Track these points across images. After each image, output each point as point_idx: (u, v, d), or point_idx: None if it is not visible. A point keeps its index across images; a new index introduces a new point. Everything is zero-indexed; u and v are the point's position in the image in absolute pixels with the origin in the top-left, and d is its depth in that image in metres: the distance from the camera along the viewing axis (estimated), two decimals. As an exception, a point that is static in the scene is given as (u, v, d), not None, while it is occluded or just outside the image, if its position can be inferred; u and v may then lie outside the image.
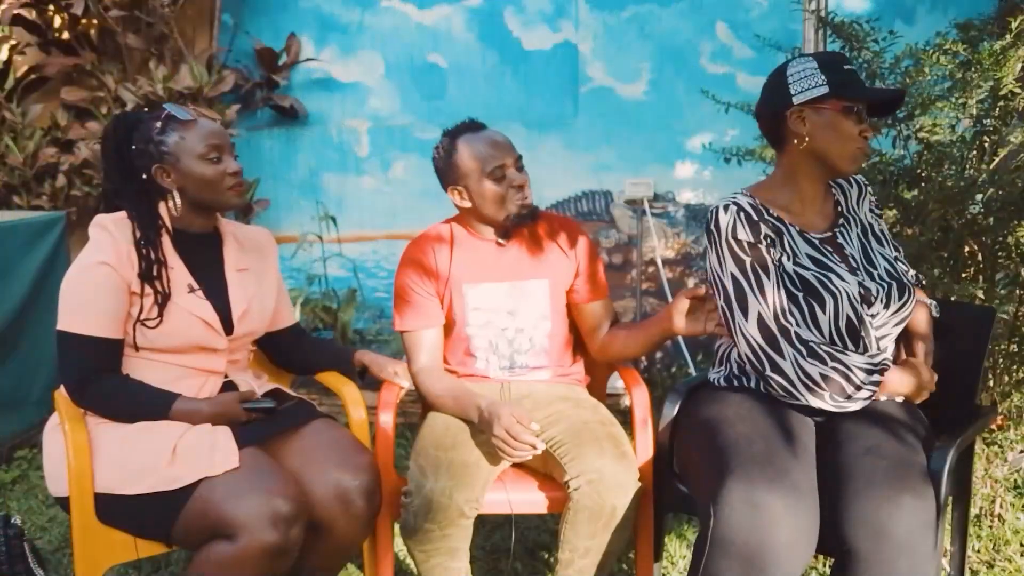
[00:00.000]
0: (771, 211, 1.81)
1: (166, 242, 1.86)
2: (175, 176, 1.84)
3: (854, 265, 1.79)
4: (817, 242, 1.80)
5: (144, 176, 1.84)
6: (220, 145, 1.85)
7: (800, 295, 1.75)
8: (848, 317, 1.74)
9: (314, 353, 2.18)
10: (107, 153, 1.89)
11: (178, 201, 1.85)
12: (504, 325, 2.10)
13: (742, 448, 1.64)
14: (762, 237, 1.77)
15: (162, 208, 1.87)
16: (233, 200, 1.89)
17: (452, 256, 2.10)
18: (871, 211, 1.90)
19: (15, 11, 3.75)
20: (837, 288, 1.74)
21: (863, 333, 1.76)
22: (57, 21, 3.90)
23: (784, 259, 1.78)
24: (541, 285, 2.11)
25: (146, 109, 1.92)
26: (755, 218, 1.78)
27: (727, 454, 1.63)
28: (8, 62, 3.85)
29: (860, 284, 1.76)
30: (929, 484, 1.57)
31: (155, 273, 1.80)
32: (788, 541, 1.52)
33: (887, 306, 1.76)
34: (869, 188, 1.91)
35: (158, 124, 1.84)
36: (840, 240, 1.81)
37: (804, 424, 1.77)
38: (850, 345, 1.76)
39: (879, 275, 1.78)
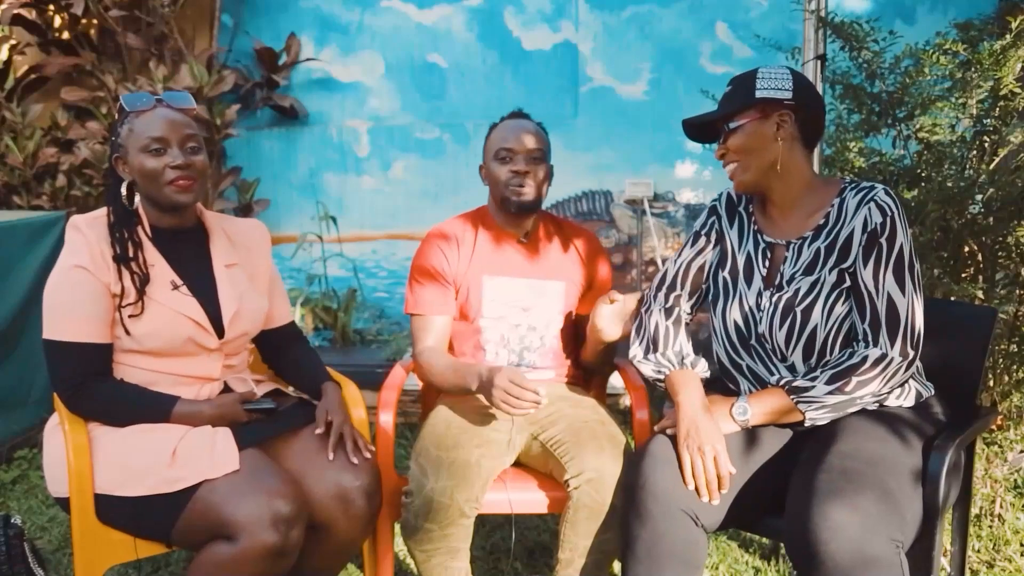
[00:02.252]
0: (750, 207, 1.91)
1: (143, 235, 1.82)
2: (128, 168, 1.80)
3: (776, 279, 1.79)
4: (764, 246, 1.83)
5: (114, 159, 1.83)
6: (165, 137, 1.76)
7: (711, 300, 1.92)
8: (735, 322, 1.83)
9: (297, 370, 2.07)
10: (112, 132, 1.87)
11: (135, 194, 1.81)
12: (518, 321, 2.12)
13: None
14: (705, 232, 1.94)
15: (136, 201, 1.84)
16: (175, 197, 1.78)
17: (475, 246, 2.14)
18: (868, 245, 1.70)
19: (15, 11, 3.76)
20: (731, 291, 1.85)
21: (753, 342, 1.81)
22: (57, 21, 3.90)
23: (716, 260, 1.91)
24: (558, 286, 2.14)
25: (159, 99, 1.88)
26: (727, 206, 1.93)
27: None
28: (8, 62, 3.85)
29: (759, 294, 1.80)
30: (877, 494, 1.53)
31: (130, 254, 1.77)
32: (665, 485, 1.66)
33: (771, 325, 1.76)
34: (886, 229, 1.68)
35: (117, 115, 1.83)
36: (788, 252, 1.79)
37: (771, 428, 1.81)
38: (742, 351, 1.84)
39: (787, 295, 1.75)
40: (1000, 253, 2.27)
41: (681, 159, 3.81)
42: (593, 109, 3.84)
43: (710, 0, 3.73)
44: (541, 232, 2.18)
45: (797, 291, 1.75)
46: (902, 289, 1.67)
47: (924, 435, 1.71)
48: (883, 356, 1.66)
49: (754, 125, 1.77)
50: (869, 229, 1.69)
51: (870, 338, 1.69)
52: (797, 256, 1.78)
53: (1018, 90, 2.17)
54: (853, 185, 1.78)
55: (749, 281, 1.83)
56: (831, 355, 1.75)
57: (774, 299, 1.77)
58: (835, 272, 1.73)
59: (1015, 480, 2.61)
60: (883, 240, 1.68)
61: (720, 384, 1.93)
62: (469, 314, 2.12)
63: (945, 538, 1.99)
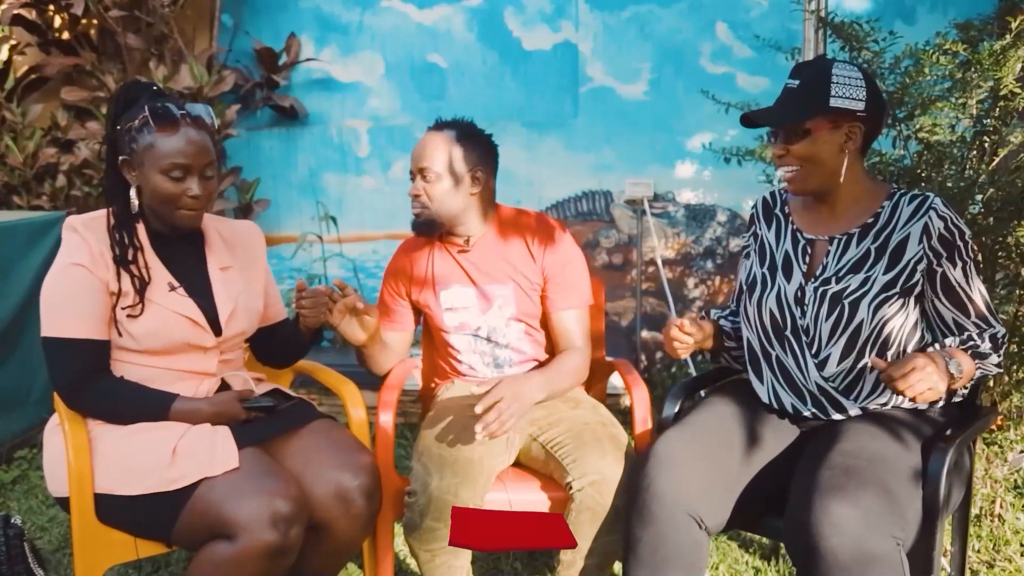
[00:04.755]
0: (786, 208, 1.91)
1: (143, 236, 1.82)
2: (137, 175, 1.78)
3: (818, 271, 1.79)
4: (804, 243, 1.83)
5: (118, 157, 1.80)
6: (187, 165, 1.75)
7: (745, 289, 1.90)
8: (772, 313, 1.81)
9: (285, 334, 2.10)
10: (109, 117, 1.83)
11: (135, 199, 1.80)
12: (477, 324, 2.11)
13: (682, 421, 1.82)
14: (746, 246, 1.97)
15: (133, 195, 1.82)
16: (184, 222, 1.80)
17: (429, 259, 2.14)
18: (931, 248, 1.71)
19: (15, 11, 3.76)
20: (769, 280, 1.83)
21: (788, 333, 1.80)
22: (57, 21, 3.90)
23: (754, 258, 1.91)
24: (505, 290, 2.10)
25: (156, 88, 1.85)
26: (764, 209, 1.95)
27: (673, 424, 1.84)
28: (8, 62, 3.85)
29: (800, 287, 1.79)
30: (878, 491, 1.53)
31: (130, 258, 1.77)
32: (670, 488, 1.65)
33: (817, 316, 1.76)
34: (955, 233, 1.70)
35: (138, 119, 1.76)
36: (831, 246, 1.79)
37: (776, 429, 1.83)
38: (775, 341, 1.83)
39: (834, 288, 1.75)
40: (1000, 253, 2.27)
41: (681, 159, 3.81)
42: (593, 109, 3.84)
43: (710, 0, 3.73)
44: (487, 236, 2.12)
45: (847, 287, 1.74)
46: (979, 278, 1.75)
47: (925, 435, 1.71)
48: (1004, 334, 1.73)
49: (824, 135, 1.71)
50: (937, 236, 1.70)
51: (990, 321, 1.73)
52: (842, 252, 1.77)
53: (1018, 90, 2.17)
54: (905, 191, 1.79)
55: (788, 275, 1.82)
56: (869, 356, 1.74)
57: (819, 292, 1.76)
58: (889, 274, 1.72)
59: (1015, 480, 2.61)
60: (960, 243, 1.71)
61: (743, 390, 1.93)
62: (438, 327, 2.14)
63: (945, 538, 1.99)
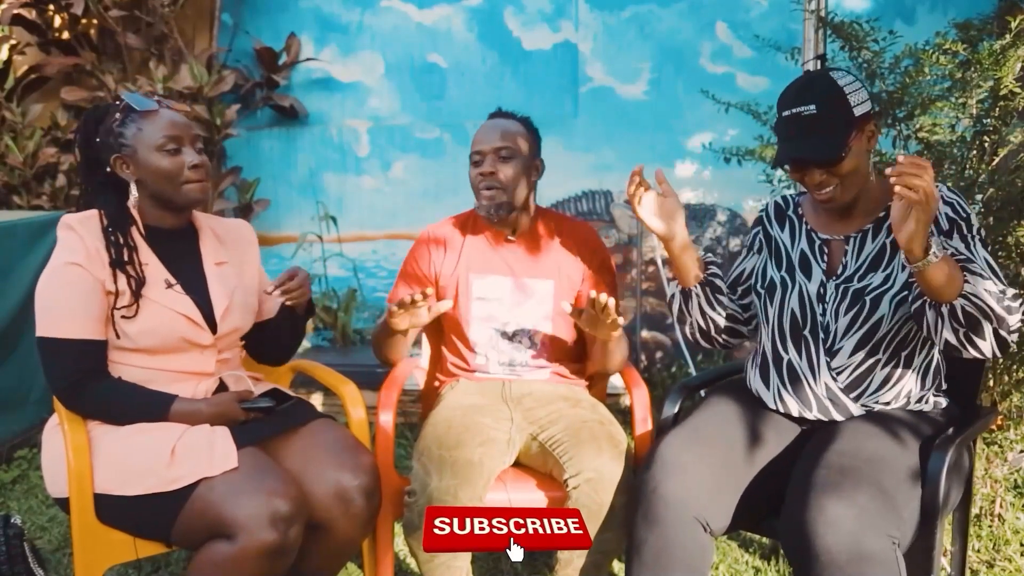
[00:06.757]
0: (799, 209, 1.91)
1: (137, 236, 1.83)
2: (133, 168, 1.80)
3: (839, 270, 1.79)
4: (820, 243, 1.83)
5: (108, 169, 1.82)
6: (179, 136, 1.80)
7: (764, 292, 1.87)
8: (793, 312, 1.81)
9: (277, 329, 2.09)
10: (80, 147, 1.85)
11: (135, 194, 1.82)
12: (506, 320, 2.11)
13: (686, 422, 1.82)
14: (749, 245, 1.98)
15: (130, 204, 1.84)
16: (193, 195, 1.82)
17: (464, 245, 2.14)
18: (942, 233, 1.70)
19: (15, 11, 3.76)
20: (789, 281, 1.83)
21: (806, 333, 1.79)
22: (57, 21, 3.91)
23: (767, 261, 1.90)
24: (546, 285, 2.12)
25: (116, 102, 1.91)
26: (776, 213, 1.95)
27: (674, 427, 1.83)
28: (8, 62, 3.85)
29: (822, 284, 1.79)
30: (874, 491, 1.53)
31: (126, 258, 1.77)
32: (678, 492, 1.64)
33: (836, 311, 1.76)
34: (966, 221, 1.70)
35: (117, 115, 1.81)
36: (848, 245, 1.80)
37: (777, 428, 1.83)
38: (790, 343, 1.82)
39: (856, 285, 1.76)
40: (1000, 253, 2.27)
41: (681, 159, 3.81)
42: (593, 109, 3.84)
43: (710, 0, 3.73)
44: (533, 230, 2.16)
45: (869, 284, 1.74)
46: (986, 250, 1.69)
47: (923, 436, 1.72)
48: (1016, 293, 1.62)
49: (857, 146, 1.72)
50: (945, 218, 1.70)
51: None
52: (860, 249, 1.78)
53: (1018, 90, 2.17)
54: None
55: (808, 274, 1.82)
56: (883, 353, 1.75)
57: (841, 288, 1.77)
58: (907, 271, 1.70)
59: (1015, 480, 2.61)
60: (962, 222, 1.70)
61: (743, 389, 1.93)
62: (459, 315, 2.12)
63: (945, 538, 1.99)
